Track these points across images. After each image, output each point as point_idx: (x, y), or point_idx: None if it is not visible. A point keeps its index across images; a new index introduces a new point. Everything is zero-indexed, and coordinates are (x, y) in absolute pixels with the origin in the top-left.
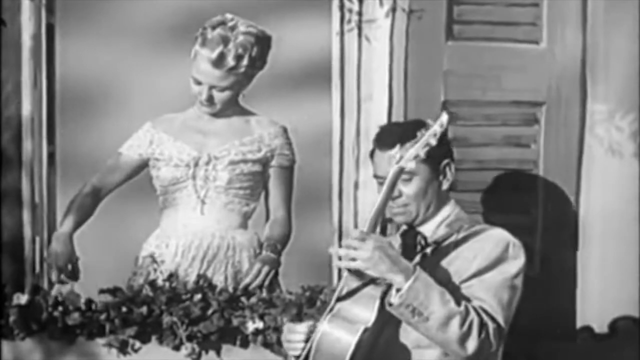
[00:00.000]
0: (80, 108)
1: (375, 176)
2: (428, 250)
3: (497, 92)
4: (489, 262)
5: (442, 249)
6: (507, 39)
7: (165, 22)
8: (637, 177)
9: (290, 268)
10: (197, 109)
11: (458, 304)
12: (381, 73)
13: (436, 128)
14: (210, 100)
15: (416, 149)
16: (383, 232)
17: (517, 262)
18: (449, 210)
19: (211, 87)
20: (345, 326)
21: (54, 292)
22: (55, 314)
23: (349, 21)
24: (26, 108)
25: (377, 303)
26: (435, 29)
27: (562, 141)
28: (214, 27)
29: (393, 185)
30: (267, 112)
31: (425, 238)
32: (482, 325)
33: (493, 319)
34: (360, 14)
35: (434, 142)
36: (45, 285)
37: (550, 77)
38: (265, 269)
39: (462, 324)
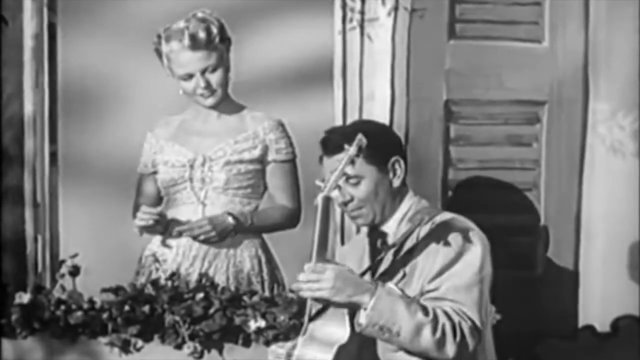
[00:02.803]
0: (82, 107)
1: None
2: (390, 252)
3: (499, 91)
4: (451, 255)
5: (405, 247)
6: (509, 38)
7: (168, 22)
8: (639, 176)
9: (292, 267)
10: (194, 110)
11: (425, 309)
12: (383, 72)
13: (351, 154)
14: (208, 85)
15: (335, 178)
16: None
17: (477, 249)
18: (407, 204)
19: (203, 72)
20: (319, 348)
21: (55, 290)
22: (58, 312)
23: (351, 20)
24: (28, 107)
25: (347, 319)
26: (437, 27)
27: (564, 140)
28: (166, 30)
29: (325, 213)
30: (269, 110)
31: (384, 242)
32: (455, 328)
33: (468, 318)
34: (362, 12)
35: (350, 171)
36: (48, 284)
37: (552, 76)
38: (206, 228)
39: (434, 332)
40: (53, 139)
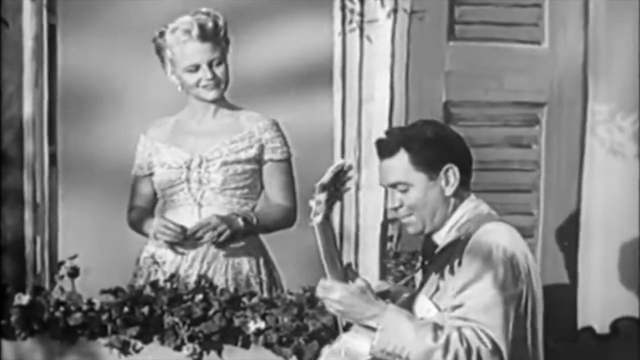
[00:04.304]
0: (82, 108)
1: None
2: (426, 262)
3: (498, 92)
4: (473, 273)
5: (441, 256)
6: (509, 40)
7: (167, 23)
8: (639, 178)
9: (291, 268)
10: (189, 111)
11: (436, 333)
12: (382, 74)
13: (324, 182)
14: (214, 76)
15: (314, 207)
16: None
17: (501, 269)
18: (461, 212)
19: (210, 64)
20: None
21: (54, 292)
22: (57, 314)
23: (351, 22)
24: (27, 108)
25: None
26: (437, 29)
27: (564, 142)
28: (170, 24)
29: (324, 235)
30: (269, 111)
31: (414, 252)
32: (471, 353)
33: (490, 341)
34: (361, 14)
35: (322, 197)
36: (47, 285)
37: (552, 78)
38: (221, 227)
39: (445, 355)
40: (52, 140)
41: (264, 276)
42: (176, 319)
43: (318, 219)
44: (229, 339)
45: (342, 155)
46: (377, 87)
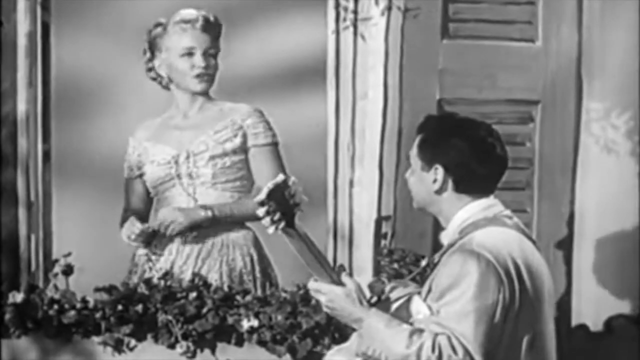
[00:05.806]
0: (76, 106)
1: None
2: (423, 262)
3: (492, 90)
4: (450, 279)
5: (437, 261)
6: (503, 38)
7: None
8: (633, 175)
9: (285, 266)
10: (174, 109)
11: (412, 339)
12: (376, 71)
13: (259, 199)
14: (208, 65)
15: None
16: None
17: (474, 276)
18: (465, 215)
19: (205, 52)
20: (345, 357)
21: (48, 290)
22: (51, 312)
23: (345, 19)
24: (21, 106)
25: None
26: (431, 27)
27: (558, 139)
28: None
29: (296, 245)
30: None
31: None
32: (441, 359)
33: (463, 349)
34: (355, 12)
35: (262, 212)
36: (41, 283)
37: (546, 76)
38: (180, 218)
39: None
40: (46, 138)
41: (257, 273)
42: (170, 317)
43: (270, 230)
44: (222, 337)
45: (336, 153)
46: (371, 85)
